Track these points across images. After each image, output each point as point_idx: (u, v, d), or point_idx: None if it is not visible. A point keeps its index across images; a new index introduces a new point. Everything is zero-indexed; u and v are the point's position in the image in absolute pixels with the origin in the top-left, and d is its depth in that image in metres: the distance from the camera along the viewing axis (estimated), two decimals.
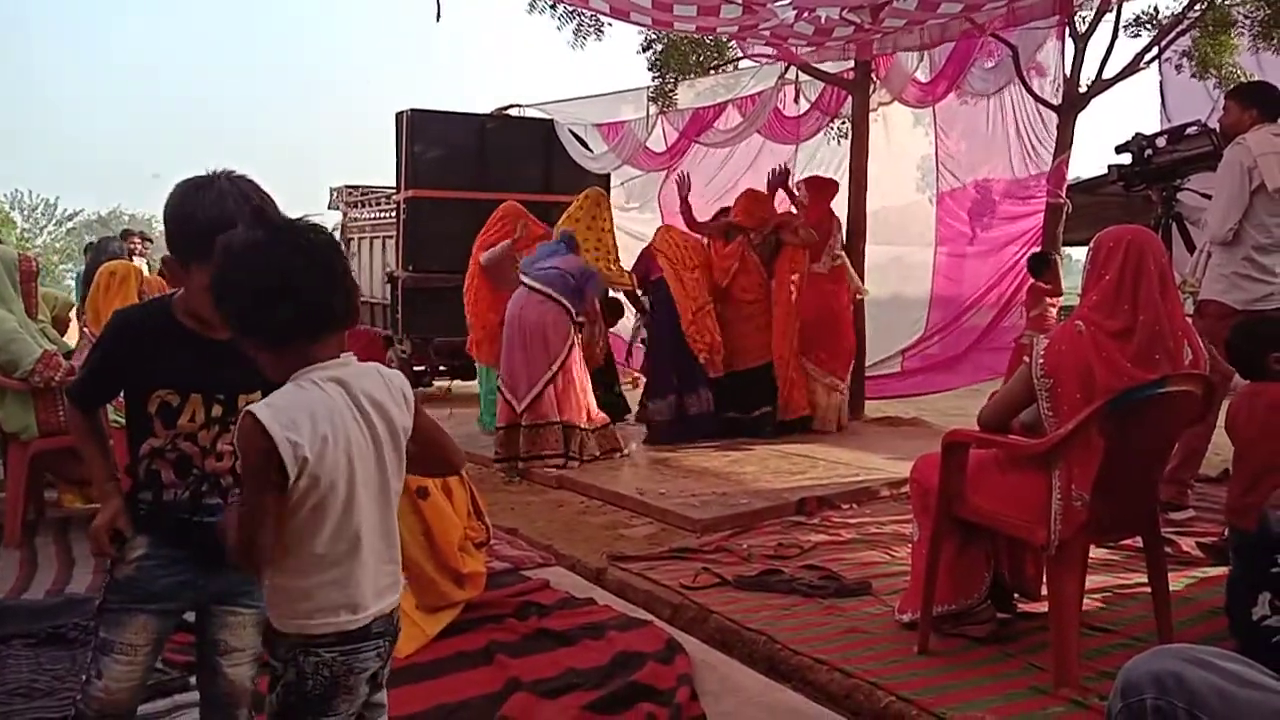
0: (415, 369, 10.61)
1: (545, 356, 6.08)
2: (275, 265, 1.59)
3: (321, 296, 1.61)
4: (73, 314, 6.70)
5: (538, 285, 6.19)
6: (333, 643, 1.64)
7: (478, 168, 10.42)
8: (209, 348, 1.92)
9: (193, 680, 2.75)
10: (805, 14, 5.86)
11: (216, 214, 1.86)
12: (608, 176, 11.00)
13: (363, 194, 12.40)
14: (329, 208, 13.38)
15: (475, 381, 11.32)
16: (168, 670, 2.83)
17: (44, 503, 5.05)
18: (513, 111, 11.46)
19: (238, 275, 1.60)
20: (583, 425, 6.18)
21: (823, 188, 7.47)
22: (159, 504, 1.98)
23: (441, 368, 10.73)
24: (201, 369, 1.94)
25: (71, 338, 6.17)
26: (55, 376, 4.43)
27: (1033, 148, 8.54)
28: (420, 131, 10.16)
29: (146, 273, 7.25)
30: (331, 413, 1.59)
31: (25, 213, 48.95)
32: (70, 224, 51.61)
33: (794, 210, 7.27)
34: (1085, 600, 3.02)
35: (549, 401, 6.08)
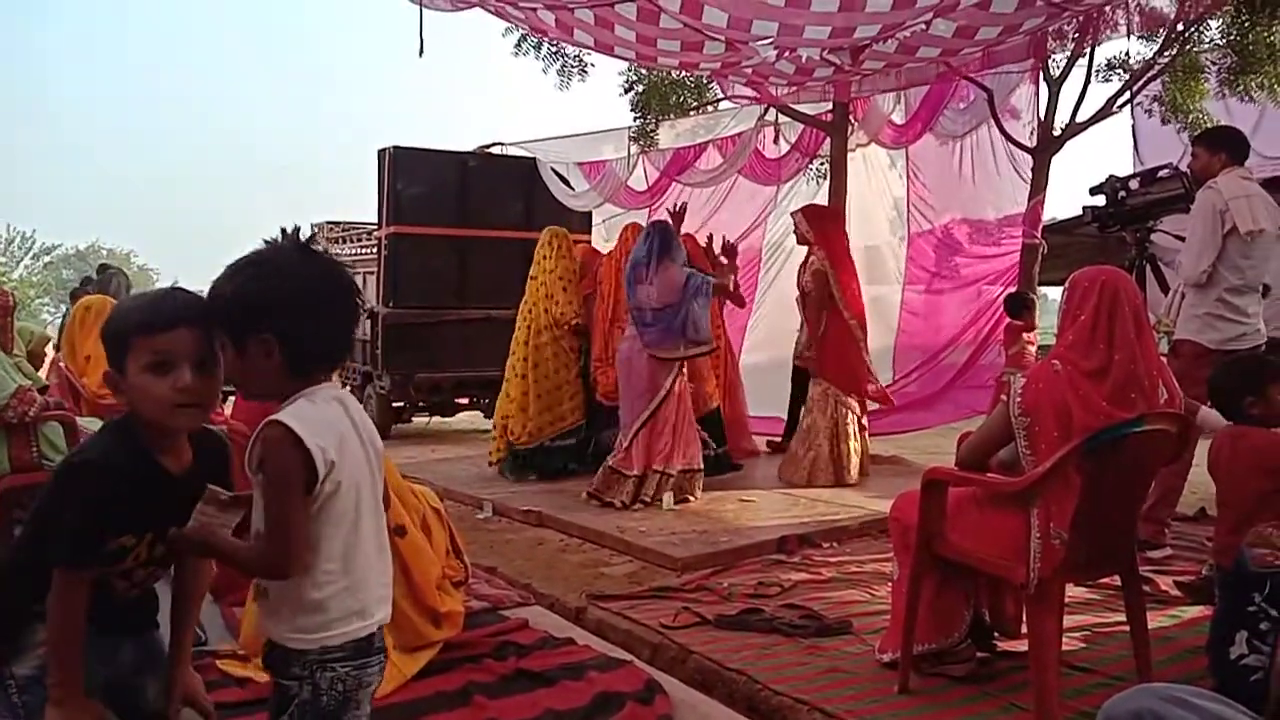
0: (395, 405, 10.57)
1: (633, 400, 6.02)
2: (331, 293, 1.72)
3: (349, 332, 1.78)
4: (49, 348, 6.64)
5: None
6: (347, 656, 1.69)
7: (460, 205, 10.48)
8: (172, 487, 1.79)
9: None
10: (787, 53, 5.95)
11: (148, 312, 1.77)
12: (589, 214, 11.08)
13: (344, 230, 12.42)
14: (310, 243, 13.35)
15: (454, 418, 11.36)
16: None
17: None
18: (495, 149, 11.54)
19: (299, 286, 1.67)
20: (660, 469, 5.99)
21: (826, 217, 7.11)
22: None
23: (421, 404, 10.69)
24: (162, 511, 1.77)
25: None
26: (30, 412, 4.38)
27: (1006, 190, 8.66)
28: (402, 168, 10.22)
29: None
30: (340, 426, 1.71)
31: (1, 246, 48.65)
32: (48, 258, 51.30)
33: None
34: (1065, 639, 3.02)
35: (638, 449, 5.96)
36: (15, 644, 1.80)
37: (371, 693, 1.77)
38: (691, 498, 6.02)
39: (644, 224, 6.98)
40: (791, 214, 7.32)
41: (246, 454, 1.66)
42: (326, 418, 1.67)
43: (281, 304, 1.64)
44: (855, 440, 6.71)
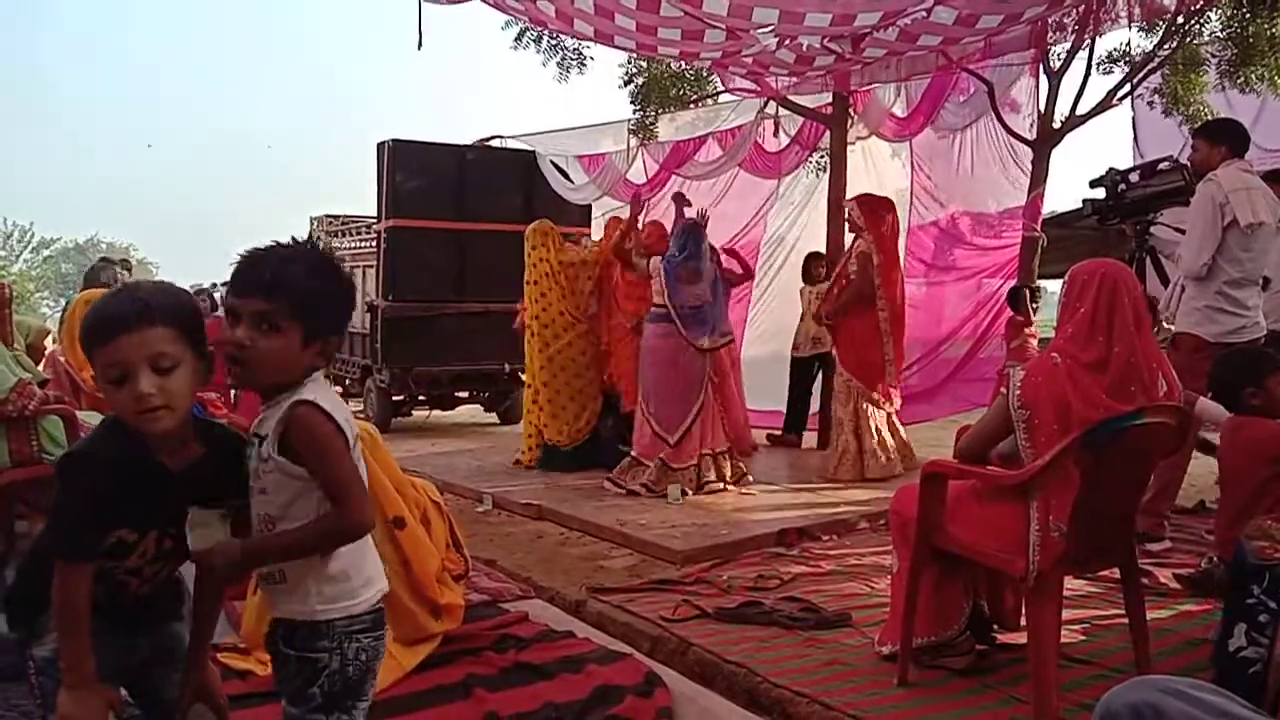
0: (394, 399, 10.57)
1: (683, 393, 6.15)
2: (348, 281, 1.85)
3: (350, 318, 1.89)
4: (48, 341, 6.64)
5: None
6: (368, 627, 1.77)
7: (459, 198, 10.47)
8: (169, 480, 1.77)
9: None
10: (787, 42, 5.94)
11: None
12: (588, 207, 11.07)
13: (343, 223, 12.41)
14: (309, 237, 13.38)
15: (453, 411, 11.37)
16: None
17: (14, 534, 4.97)
18: (494, 142, 11.52)
19: (332, 273, 1.79)
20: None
21: (880, 206, 6.99)
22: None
23: (420, 397, 10.70)
24: (163, 505, 1.77)
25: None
26: (29, 405, 4.38)
27: (1007, 182, 8.64)
28: (401, 161, 10.20)
29: None
30: (342, 406, 1.80)
31: (0, 240, 48.63)
32: (47, 251, 51.28)
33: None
34: (1064, 632, 3.02)
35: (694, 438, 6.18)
36: (34, 627, 1.82)
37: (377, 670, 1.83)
38: (727, 479, 6.17)
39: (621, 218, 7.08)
40: (845, 201, 7.26)
41: (274, 440, 1.70)
42: (334, 399, 1.78)
43: (349, 305, 1.83)
44: (880, 435, 6.64)
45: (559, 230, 7.51)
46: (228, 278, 1.78)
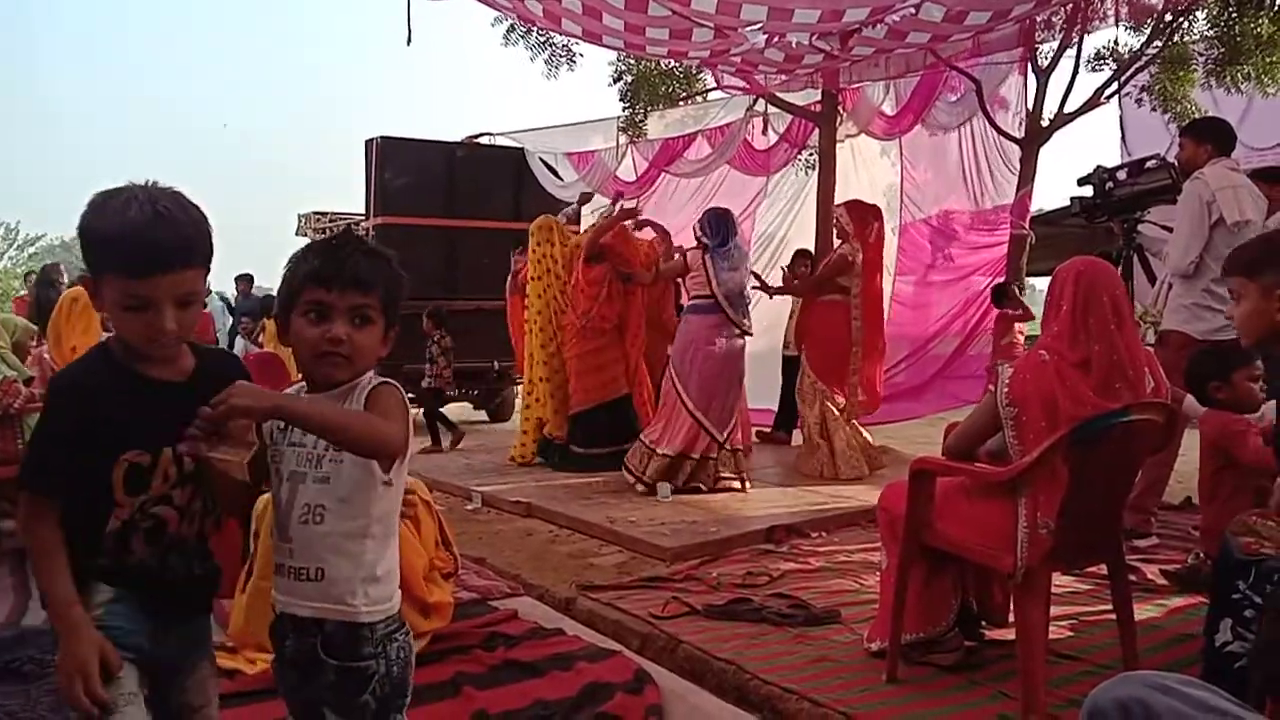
0: None
1: (730, 382, 6.23)
2: None
3: None
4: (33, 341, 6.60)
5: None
6: (401, 625, 1.78)
7: (448, 195, 10.45)
8: (165, 391, 1.69)
9: None
10: (776, 40, 5.94)
11: (119, 221, 1.61)
12: (576, 206, 11.05)
13: (331, 220, 12.37)
14: (296, 234, 13.34)
15: (442, 409, 11.33)
16: None
17: (1, 533, 4.94)
18: (483, 139, 11.51)
19: (397, 266, 1.79)
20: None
21: (868, 213, 7.09)
22: (122, 566, 1.71)
23: (410, 395, 10.65)
24: (166, 419, 1.62)
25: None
26: (14, 404, 4.35)
27: (996, 180, 8.68)
28: (390, 159, 10.18)
29: None
30: None
31: None
32: (32, 249, 50.94)
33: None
34: (1052, 628, 3.04)
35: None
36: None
37: None
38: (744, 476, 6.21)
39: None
40: (835, 205, 7.31)
41: (363, 396, 1.70)
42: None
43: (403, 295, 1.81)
44: (848, 436, 6.69)
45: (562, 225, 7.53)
46: (299, 270, 1.72)
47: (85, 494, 1.64)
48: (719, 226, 6.28)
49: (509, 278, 8.63)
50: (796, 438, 8.08)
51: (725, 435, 6.12)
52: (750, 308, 6.40)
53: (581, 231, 7.47)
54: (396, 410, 1.69)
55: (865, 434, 6.89)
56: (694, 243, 6.95)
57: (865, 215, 6.87)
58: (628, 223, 7.17)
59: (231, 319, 12.85)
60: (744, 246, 6.51)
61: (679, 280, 6.84)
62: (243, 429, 1.57)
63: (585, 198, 8.23)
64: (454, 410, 11.64)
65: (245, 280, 13.54)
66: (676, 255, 6.74)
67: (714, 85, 8.88)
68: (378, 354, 1.76)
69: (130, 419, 1.66)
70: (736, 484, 6.09)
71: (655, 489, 5.95)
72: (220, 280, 13.21)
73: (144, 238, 1.58)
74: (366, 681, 1.69)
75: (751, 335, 6.33)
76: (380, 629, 1.72)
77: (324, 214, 12.60)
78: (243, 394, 1.52)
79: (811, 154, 9.02)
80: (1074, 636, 3.42)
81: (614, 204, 7.39)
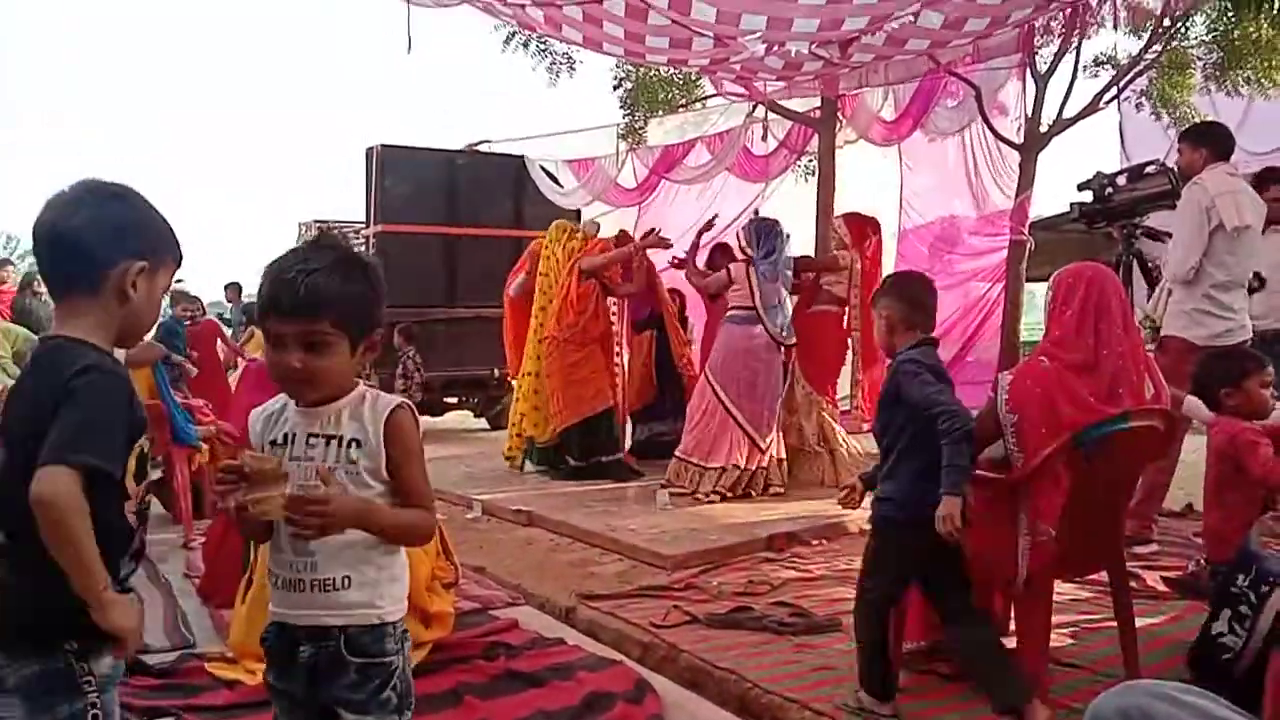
0: None
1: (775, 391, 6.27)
2: (376, 271, 1.84)
3: None
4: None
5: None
6: (405, 625, 1.81)
7: (448, 203, 10.46)
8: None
9: None
10: (775, 48, 5.94)
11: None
12: (578, 213, 11.07)
13: (330, 228, 12.37)
14: (296, 242, 13.32)
15: (443, 417, 11.36)
16: (126, 716, 2.76)
17: None
18: (483, 147, 11.52)
19: (362, 271, 1.79)
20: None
21: (867, 225, 7.28)
22: (135, 560, 1.68)
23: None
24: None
25: None
26: None
27: (995, 185, 8.67)
28: (390, 167, 10.19)
29: None
30: None
31: None
32: (15, 250, 50.98)
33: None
34: (1053, 636, 3.03)
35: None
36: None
37: None
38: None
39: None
40: (834, 217, 7.34)
41: (383, 429, 1.72)
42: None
43: (383, 295, 1.82)
44: (847, 443, 6.70)
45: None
46: (256, 294, 1.75)
47: (117, 484, 1.60)
48: (761, 237, 6.34)
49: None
50: None
51: (768, 444, 6.17)
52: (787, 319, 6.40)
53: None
54: (409, 448, 1.76)
55: (855, 444, 6.91)
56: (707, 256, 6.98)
57: (864, 227, 6.93)
58: (607, 236, 7.24)
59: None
60: (789, 257, 6.49)
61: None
62: (273, 466, 1.63)
63: (594, 227, 8.17)
64: (453, 418, 11.69)
65: (234, 289, 13.61)
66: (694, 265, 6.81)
67: (713, 92, 8.88)
68: (347, 372, 1.76)
69: (137, 405, 1.65)
70: (782, 490, 6.14)
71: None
72: (214, 289, 13.26)
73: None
74: (390, 676, 1.74)
75: (790, 345, 6.34)
76: (400, 626, 1.78)
77: (324, 223, 12.61)
78: (338, 510, 1.63)
79: (811, 160, 9.02)
80: (1075, 644, 3.41)
81: (645, 233, 7.32)
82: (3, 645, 1.55)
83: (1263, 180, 5.22)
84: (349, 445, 1.72)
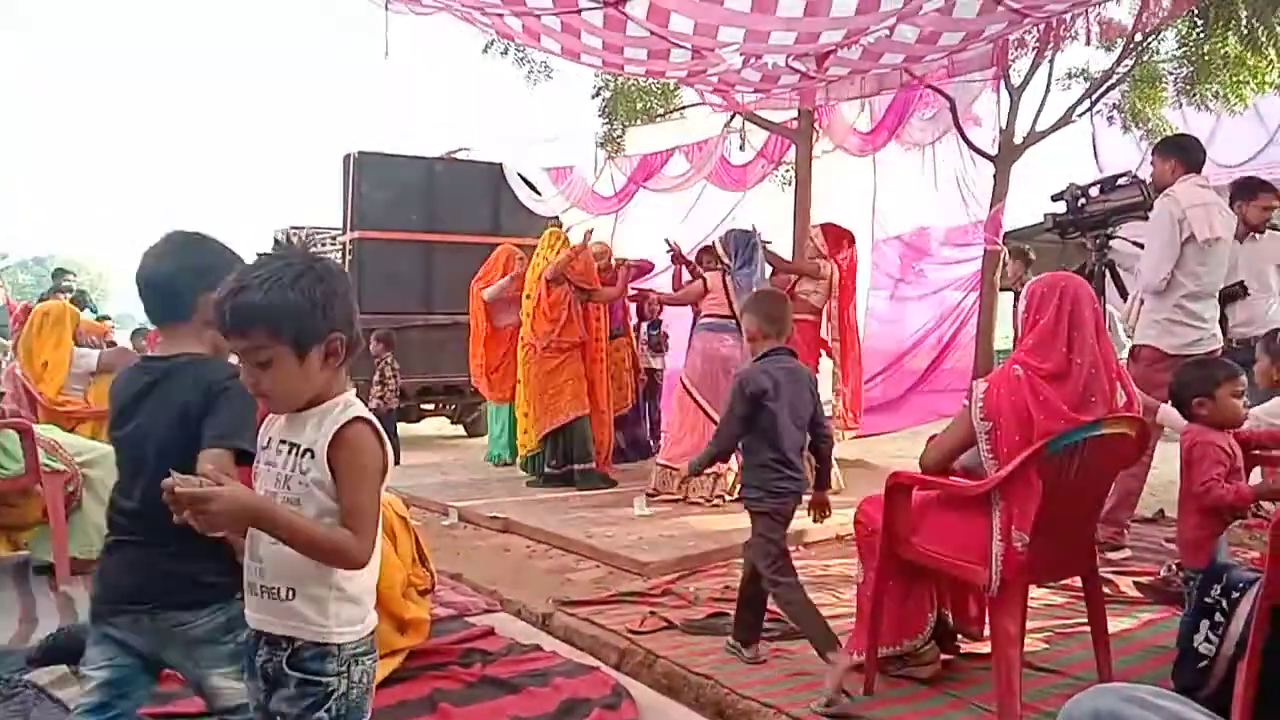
0: None
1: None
2: (321, 273, 1.74)
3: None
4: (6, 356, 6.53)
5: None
6: (368, 649, 1.77)
7: (426, 210, 10.43)
8: None
9: None
10: (752, 60, 5.97)
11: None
12: (557, 220, 11.07)
13: (307, 235, 12.30)
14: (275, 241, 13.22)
15: (419, 424, 11.32)
16: None
17: None
18: (461, 154, 11.50)
19: (294, 277, 1.69)
20: None
21: (844, 237, 7.33)
22: None
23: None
24: None
25: None
26: None
27: (969, 196, 8.75)
28: (368, 173, 10.15)
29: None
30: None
31: None
32: (3, 263, 50.40)
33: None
34: (1027, 641, 3.05)
35: None
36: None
37: None
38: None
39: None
40: (809, 227, 7.39)
41: (322, 454, 1.68)
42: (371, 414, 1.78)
43: (346, 303, 1.75)
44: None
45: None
46: None
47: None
48: (738, 248, 6.42)
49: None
50: None
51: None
52: None
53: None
54: (354, 469, 1.68)
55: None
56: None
57: (839, 239, 6.98)
58: (591, 244, 7.23)
59: None
60: (764, 264, 6.61)
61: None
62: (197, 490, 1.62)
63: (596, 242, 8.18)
64: (430, 425, 11.64)
65: None
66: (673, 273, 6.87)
67: (693, 103, 8.92)
68: (308, 381, 1.71)
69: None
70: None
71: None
72: None
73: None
74: (325, 698, 1.70)
75: None
76: (349, 649, 1.72)
77: (300, 228, 12.53)
78: (225, 505, 1.57)
79: (788, 170, 9.08)
80: (1049, 649, 3.44)
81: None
82: (189, 605, 1.96)
83: (1248, 189, 5.30)
84: (304, 455, 1.69)
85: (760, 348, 3.48)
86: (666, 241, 7.12)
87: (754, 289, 6.31)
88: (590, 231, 7.18)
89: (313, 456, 1.68)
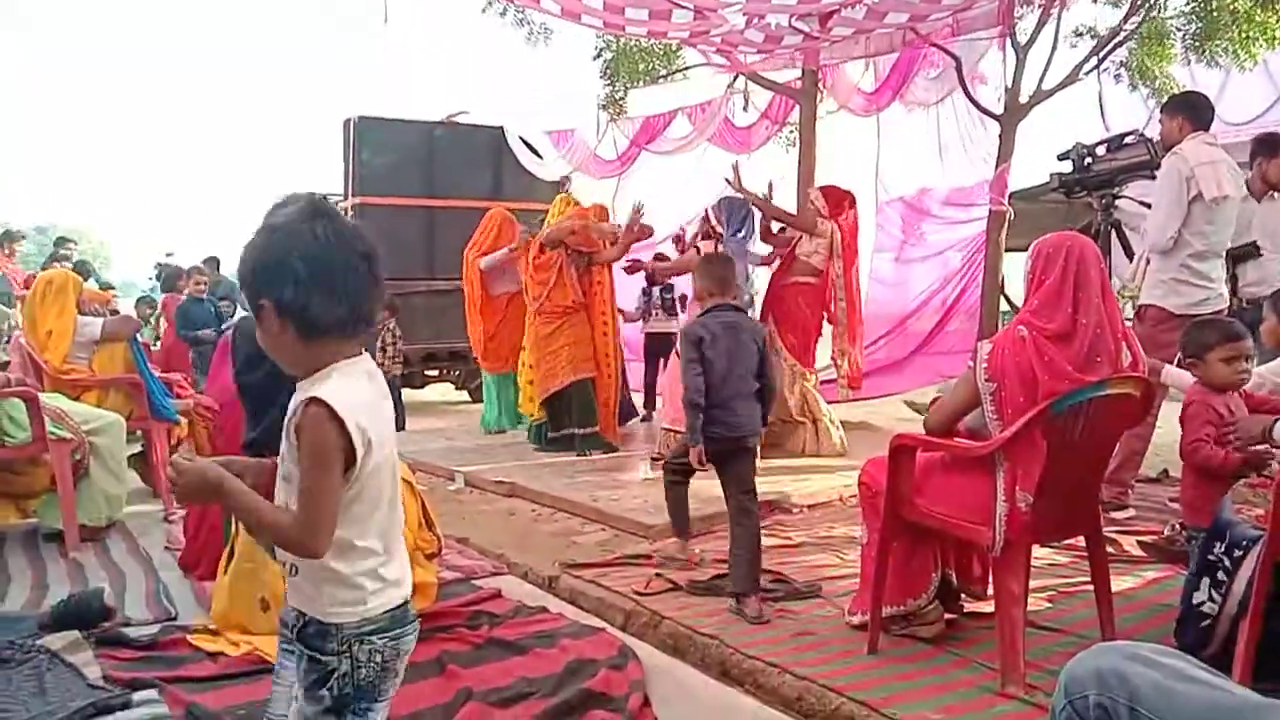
0: None
1: None
2: (342, 260, 1.62)
3: (366, 302, 1.66)
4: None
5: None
6: (382, 628, 1.69)
7: (427, 175, 10.37)
8: None
9: (135, 697, 2.71)
10: (755, 21, 5.91)
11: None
12: (558, 184, 11.01)
13: None
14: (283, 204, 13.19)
15: (423, 390, 11.34)
16: (109, 688, 2.77)
17: None
18: (461, 118, 11.42)
19: (304, 251, 1.59)
20: None
21: (845, 199, 7.17)
22: None
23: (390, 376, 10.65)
24: None
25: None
26: None
27: (975, 156, 8.68)
28: (368, 139, 10.09)
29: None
30: (374, 402, 1.68)
31: None
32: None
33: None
34: (1031, 600, 3.07)
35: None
36: None
37: (408, 658, 1.76)
38: None
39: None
40: (809, 189, 7.33)
41: (286, 428, 1.62)
42: (360, 394, 1.64)
43: (285, 270, 1.58)
44: (830, 413, 6.73)
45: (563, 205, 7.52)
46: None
47: None
48: (733, 214, 6.43)
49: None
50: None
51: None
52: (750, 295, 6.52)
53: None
54: (306, 452, 1.58)
55: (837, 413, 6.96)
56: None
57: (840, 200, 6.91)
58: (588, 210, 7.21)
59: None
60: (756, 230, 6.68)
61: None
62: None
63: (565, 181, 8.20)
64: (434, 391, 11.66)
65: (212, 263, 13.43)
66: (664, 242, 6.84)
67: (696, 63, 8.83)
68: (282, 351, 1.65)
69: None
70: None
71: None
72: (192, 262, 13.07)
73: None
74: (326, 676, 1.67)
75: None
76: (349, 630, 1.66)
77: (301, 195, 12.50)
78: (188, 478, 1.58)
79: (792, 131, 9.01)
80: (1052, 608, 3.46)
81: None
82: None
83: (1270, 146, 5.16)
84: (289, 432, 1.65)
85: (706, 304, 3.87)
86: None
87: (745, 256, 6.33)
88: (640, 208, 6.98)
89: (289, 435, 1.63)
